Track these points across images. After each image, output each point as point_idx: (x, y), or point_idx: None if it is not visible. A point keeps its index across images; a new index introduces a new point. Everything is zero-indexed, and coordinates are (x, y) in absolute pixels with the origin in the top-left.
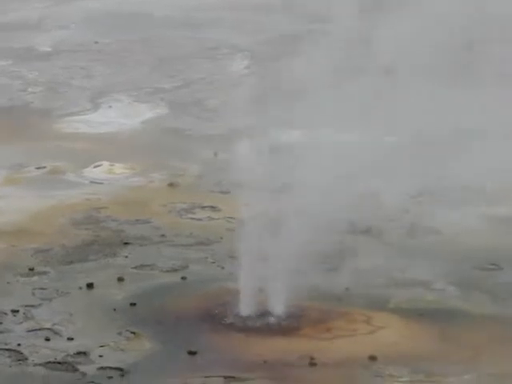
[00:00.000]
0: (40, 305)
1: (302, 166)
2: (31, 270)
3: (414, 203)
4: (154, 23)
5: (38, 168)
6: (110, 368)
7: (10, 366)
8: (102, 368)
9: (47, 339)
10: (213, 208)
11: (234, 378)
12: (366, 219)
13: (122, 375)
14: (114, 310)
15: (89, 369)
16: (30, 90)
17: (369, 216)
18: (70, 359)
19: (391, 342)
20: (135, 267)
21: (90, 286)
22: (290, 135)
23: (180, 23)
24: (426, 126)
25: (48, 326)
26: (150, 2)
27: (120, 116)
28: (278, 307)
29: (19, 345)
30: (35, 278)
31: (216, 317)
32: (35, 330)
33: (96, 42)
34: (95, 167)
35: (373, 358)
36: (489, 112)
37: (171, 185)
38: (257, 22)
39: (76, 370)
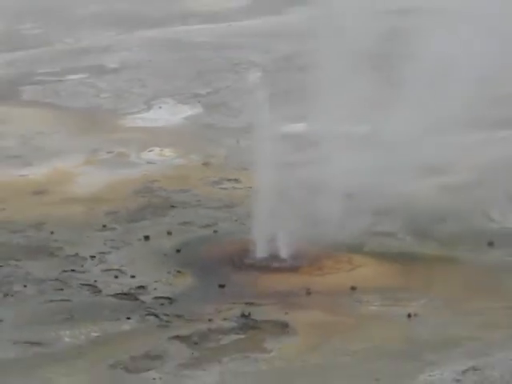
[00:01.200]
0: (110, 252)
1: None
2: (104, 226)
3: None
4: (194, 46)
5: (108, 152)
6: (162, 297)
7: (89, 297)
8: (156, 297)
9: (116, 277)
10: (236, 180)
11: (252, 303)
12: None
13: (171, 302)
14: (165, 255)
15: (146, 298)
16: (101, 95)
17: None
18: (132, 291)
19: (368, 276)
20: (180, 224)
21: (146, 238)
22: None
23: (213, 46)
24: None
25: (116, 267)
26: (192, 30)
27: (167, 114)
28: (285, 252)
29: (95, 281)
30: (107, 232)
31: (239, 259)
32: (107, 270)
33: (150, 61)
34: (149, 151)
35: (353, 289)
36: None
37: (205, 164)
38: (269, 44)
39: (137, 299)
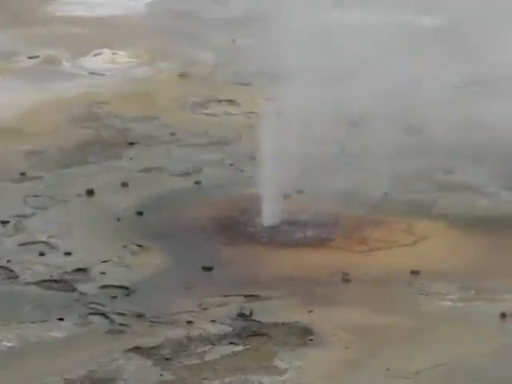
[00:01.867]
0: (33, 214)
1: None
2: (23, 174)
3: (460, 94)
4: None
5: (30, 57)
6: (114, 286)
7: (0, 286)
8: (104, 286)
9: (41, 254)
10: (230, 102)
11: (256, 296)
12: (405, 113)
13: (128, 295)
14: (118, 219)
15: (89, 288)
16: None
17: (408, 110)
18: (67, 277)
19: (436, 253)
20: (141, 171)
21: (90, 192)
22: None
23: None
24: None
25: (42, 238)
26: None
27: None
28: (306, 215)
29: (9, 261)
30: (27, 183)
31: (235, 227)
32: (28, 243)
33: None
34: (95, 56)
35: (415, 273)
36: None
37: (182, 75)
38: None
39: (74, 289)
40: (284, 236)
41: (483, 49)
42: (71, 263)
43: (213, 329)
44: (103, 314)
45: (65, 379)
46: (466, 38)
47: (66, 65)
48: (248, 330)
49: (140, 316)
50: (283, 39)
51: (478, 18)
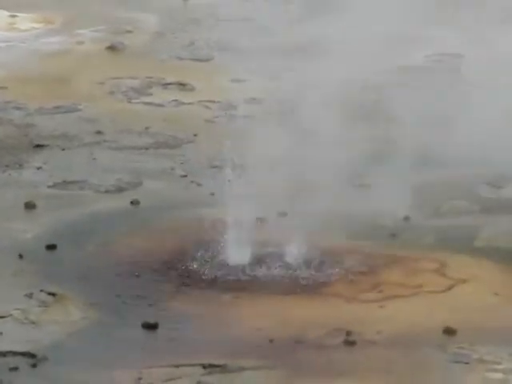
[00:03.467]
0: None
1: None
2: None
3: None
4: None
5: None
6: (14, 353)
7: None
8: (5, 354)
9: None
10: (181, 86)
11: (220, 366)
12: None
13: (34, 365)
14: (20, 256)
15: None
16: None
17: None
18: None
19: (479, 304)
20: (53, 185)
21: None
22: None
23: None
24: None
25: None
26: None
27: None
28: (292, 248)
29: None
30: None
31: (188, 267)
32: None
33: None
34: None
35: (450, 332)
36: None
37: (113, 48)
38: None
39: None
40: (260, 279)
41: None
42: None
43: None
44: None
45: None
46: None
47: None
48: None
49: None
50: None
51: None
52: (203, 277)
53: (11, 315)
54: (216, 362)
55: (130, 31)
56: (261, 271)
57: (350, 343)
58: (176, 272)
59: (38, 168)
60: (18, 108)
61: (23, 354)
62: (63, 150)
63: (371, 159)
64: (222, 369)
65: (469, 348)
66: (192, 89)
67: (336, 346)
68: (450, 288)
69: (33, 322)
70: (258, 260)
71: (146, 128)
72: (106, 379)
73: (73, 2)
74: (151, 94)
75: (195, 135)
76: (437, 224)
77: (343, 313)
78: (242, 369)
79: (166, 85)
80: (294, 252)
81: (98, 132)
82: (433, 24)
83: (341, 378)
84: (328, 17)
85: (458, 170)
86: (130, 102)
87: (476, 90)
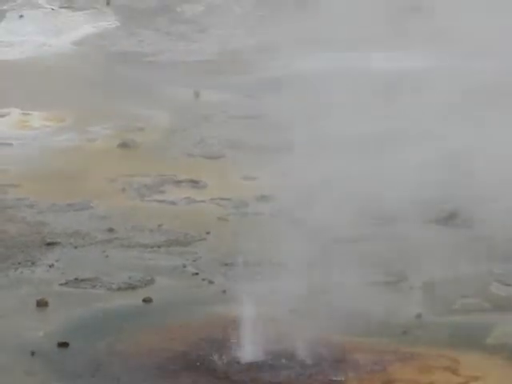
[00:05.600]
0: None
1: None
2: None
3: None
4: None
5: None
6: None
7: None
8: None
9: None
10: (194, 183)
11: None
12: (446, 197)
13: None
14: (32, 354)
15: None
16: None
17: (449, 192)
18: None
19: None
20: (66, 283)
21: None
22: None
23: None
24: None
25: None
26: None
27: (38, 32)
28: (305, 347)
29: None
30: None
31: (201, 366)
32: None
33: None
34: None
35: None
36: None
37: (124, 145)
38: None
39: None
40: (272, 378)
41: None
42: None
43: None
44: None
45: None
46: None
47: None
48: None
49: None
50: (267, 88)
51: None
52: (215, 374)
53: None
54: None
55: (141, 128)
56: (272, 370)
57: None
58: (187, 371)
59: (51, 266)
60: (30, 206)
61: None
62: (75, 247)
63: None
64: None
65: None
66: (204, 186)
67: None
68: None
69: None
70: (270, 358)
71: (159, 225)
72: None
73: (84, 99)
74: (163, 192)
75: (207, 233)
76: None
77: None
78: None
79: (178, 182)
80: (305, 351)
81: (110, 229)
82: None
83: None
84: (335, 112)
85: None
86: (142, 200)
87: None
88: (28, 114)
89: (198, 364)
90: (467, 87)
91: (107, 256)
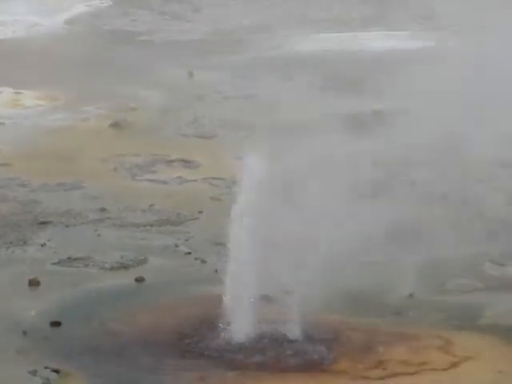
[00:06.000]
0: None
1: None
2: None
3: None
4: None
5: None
6: None
7: None
8: None
9: None
10: (186, 163)
11: None
12: (442, 177)
13: None
14: (25, 333)
15: None
16: None
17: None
18: None
19: (483, 381)
20: (58, 262)
21: None
22: None
23: None
24: None
25: None
26: None
27: (31, 11)
28: (298, 326)
29: None
30: None
31: (192, 345)
32: None
33: None
34: None
35: None
36: None
37: (116, 125)
38: None
39: None
40: (263, 357)
41: None
42: None
43: None
44: None
45: None
46: None
47: None
48: None
49: None
50: (261, 68)
51: None
52: (208, 355)
53: None
54: None
55: (134, 108)
56: (265, 349)
57: None
58: (180, 349)
59: (43, 245)
60: (22, 185)
61: None
62: (67, 226)
63: None
64: None
65: None
66: (196, 166)
67: None
68: (454, 365)
69: None
70: (262, 338)
71: (151, 205)
72: None
73: (77, 79)
74: (155, 171)
75: (200, 212)
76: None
77: None
78: None
79: (170, 162)
80: (297, 330)
81: (102, 209)
82: None
83: None
84: (327, 94)
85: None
86: (133, 180)
87: None
88: (20, 92)
89: (190, 345)
90: None
91: (99, 235)
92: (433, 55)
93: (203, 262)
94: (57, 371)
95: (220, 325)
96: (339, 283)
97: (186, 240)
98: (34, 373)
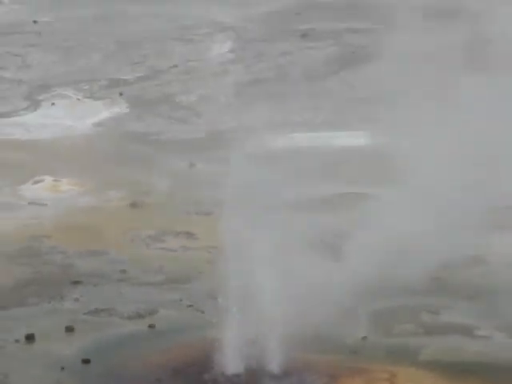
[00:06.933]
0: None
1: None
2: None
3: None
4: None
5: None
6: None
7: None
8: None
9: None
10: (189, 235)
11: None
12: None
13: None
14: (62, 368)
15: None
16: None
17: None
18: None
19: None
20: (88, 313)
21: (29, 337)
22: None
23: None
24: None
25: None
26: None
27: (66, 117)
28: (275, 362)
29: None
30: None
31: (195, 377)
32: None
33: (35, 22)
34: (35, 184)
35: None
36: None
37: (134, 205)
38: None
39: None
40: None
41: None
42: None
43: None
44: None
45: None
46: None
47: (3, 194)
48: None
49: None
50: (247, 164)
51: None
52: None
53: None
54: None
55: (147, 192)
56: (248, 380)
57: None
58: (186, 380)
59: (76, 299)
60: (60, 252)
61: None
62: (95, 285)
63: None
64: None
65: None
66: (197, 238)
67: None
68: None
69: None
70: (247, 371)
71: (161, 268)
72: None
73: (102, 169)
74: (165, 241)
75: (200, 273)
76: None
77: None
78: None
79: (176, 234)
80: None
81: (123, 271)
82: None
83: None
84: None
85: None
86: (148, 248)
87: None
88: (58, 180)
89: (193, 377)
90: None
91: (121, 292)
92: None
93: (202, 312)
94: None
95: (216, 362)
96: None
97: (189, 296)
98: None
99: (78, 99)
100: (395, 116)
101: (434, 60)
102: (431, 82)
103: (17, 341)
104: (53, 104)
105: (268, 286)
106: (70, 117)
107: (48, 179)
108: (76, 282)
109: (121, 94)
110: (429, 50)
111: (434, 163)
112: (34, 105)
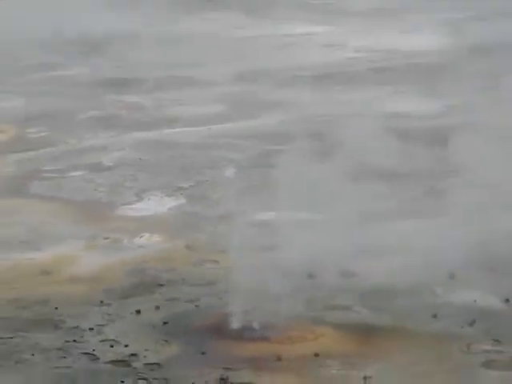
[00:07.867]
0: (107, 324)
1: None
2: (101, 302)
3: None
4: (178, 146)
5: (105, 238)
6: (151, 364)
7: (89, 364)
8: (146, 364)
9: (111, 346)
10: (215, 261)
11: (230, 368)
12: None
13: (159, 368)
14: (154, 327)
15: (138, 364)
16: (98, 189)
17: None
18: (126, 358)
19: (329, 344)
20: (167, 300)
21: (138, 312)
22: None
23: (194, 146)
24: None
25: (112, 337)
26: (176, 132)
27: (155, 205)
28: (257, 323)
29: (94, 350)
30: (104, 307)
31: (217, 330)
32: (104, 340)
33: (140, 159)
34: (140, 237)
35: (317, 355)
36: None
37: (188, 247)
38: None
39: (130, 365)
40: (245, 334)
41: None
42: (128, 351)
43: None
44: (145, 379)
45: None
46: None
47: (125, 242)
48: None
49: (166, 380)
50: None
51: None
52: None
53: (150, 349)
54: (228, 366)
55: (194, 240)
56: (243, 333)
57: (279, 359)
58: None
59: (161, 293)
60: (152, 269)
61: (154, 364)
62: (170, 286)
63: None
64: (229, 370)
65: (324, 361)
66: (218, 262)
67: (273, 360)
68: (316, 338)
69: (157, 352)
70: (243, 329)
71: (201, 276)
72: (184, 374)
73: (173, 230)
74: (204, 264)
75: (222, 279)
76: None
77: None
78: (238, 369)
79: (209, 261)
80: None
81: (183, 279)
82: None
83: (279, 373)
84: None
85: None
86: (194, 266)
87: None
88: (151, 235)
89: (217, 329)
90: None
91: (182, 289)
92: None
93: (222, 299)
94: (165, 341)
95: (228, 323)
96: None
97: (215, 291)
98: (157, 341)
99: (161, 197)
100: None
101: None
102: None
103: (131, 313)
104: (149, 199)
105: None
106: (157, 205)
107: (146, 235)
108: (160, 285)
109: (182, 194)
110: None
111: None
112: (140, 199)
